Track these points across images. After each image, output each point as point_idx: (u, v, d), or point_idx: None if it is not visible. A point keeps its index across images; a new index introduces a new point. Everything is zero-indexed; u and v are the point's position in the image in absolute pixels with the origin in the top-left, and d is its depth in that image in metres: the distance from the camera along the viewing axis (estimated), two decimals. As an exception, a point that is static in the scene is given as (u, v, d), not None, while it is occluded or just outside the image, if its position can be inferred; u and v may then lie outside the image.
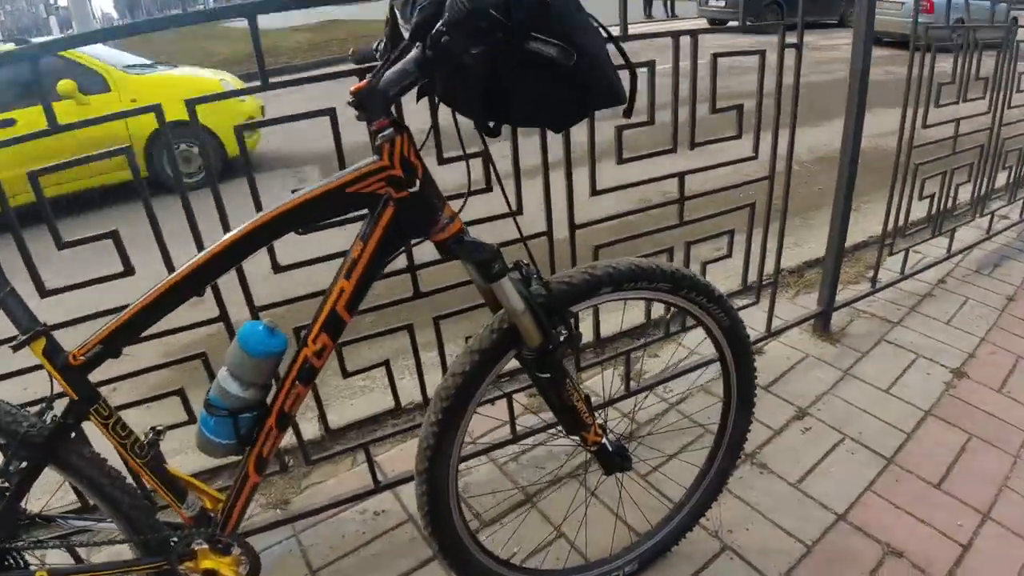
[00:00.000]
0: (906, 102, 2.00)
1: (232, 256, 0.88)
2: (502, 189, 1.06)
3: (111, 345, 0.90)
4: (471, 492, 1.59)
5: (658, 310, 1.82)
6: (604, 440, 1.09)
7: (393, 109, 0.87)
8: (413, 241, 0.99)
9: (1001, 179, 2.64)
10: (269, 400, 0.95)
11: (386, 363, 1.44)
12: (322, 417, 1.44)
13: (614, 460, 1.12)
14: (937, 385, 1.87)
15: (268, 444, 0.97)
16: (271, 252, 1.22)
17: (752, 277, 1.92)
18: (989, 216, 2.61)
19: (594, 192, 1.45)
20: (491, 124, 0.89)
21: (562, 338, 0.97)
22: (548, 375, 0.98)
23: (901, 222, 2.20)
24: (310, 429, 1.73)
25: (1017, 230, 2.79)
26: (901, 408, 1.78)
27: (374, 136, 0.83)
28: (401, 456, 1.73)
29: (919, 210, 2.27)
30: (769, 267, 1.92)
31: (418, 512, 1.04)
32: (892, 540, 1.38)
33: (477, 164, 1.13)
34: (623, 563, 1.29)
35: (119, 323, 0.88)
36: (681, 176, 1.57)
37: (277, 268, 1.22)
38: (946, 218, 2.38)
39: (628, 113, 0.89)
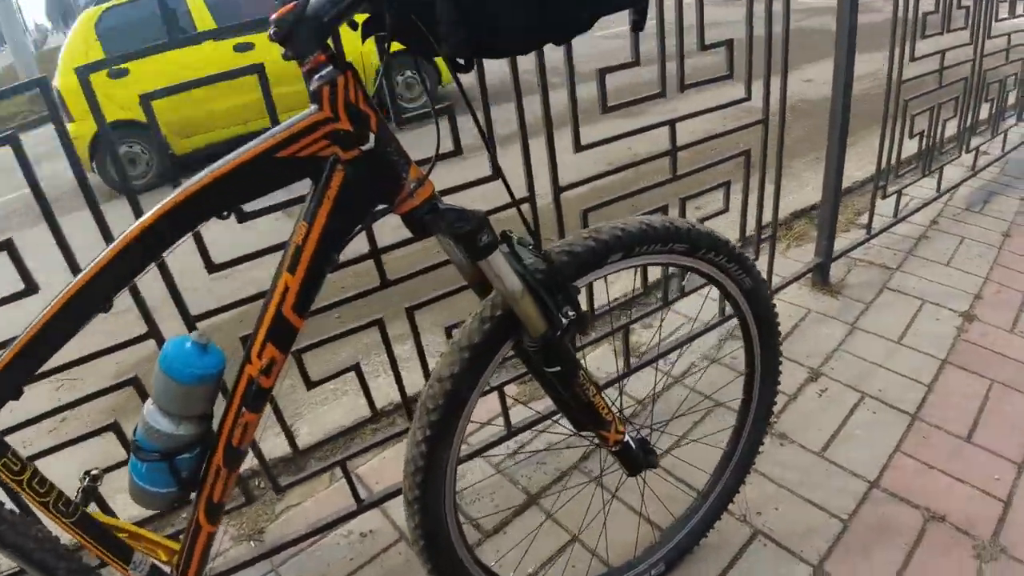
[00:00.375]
0: (894, 34, 1.86)
1: (141, 254, 0.68)
2: (483, 137, 0.86)
3: (6, 384, 0.70)
4: (466, 499, 1.42)
5: (651, 273, 1.66)
6: (627, 437, 0.91)
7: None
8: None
9: (983, 115, 2.55)
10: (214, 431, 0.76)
11: (356, 367, 1.24)
12: (289, 437, 1.24)
13: (638, 457, 0.94)
14: (948, 330, 1.77)
15: (219, 487, 0.78)
16: (202, 247, 1.00)
17: (748, 231, 1.77)
18: (974, 152, 2.52)
19: (578, 148, 1.27)
20: (461, 61, 0.70)
21: (568, 321, 0.80)
22: (557, 368, 0.80)
23: (893, 162, 2.08)
24: (279, 445, 1.52)
25: (1000, 164, 2.72)
26: (916, 359, 1.68)
27: (309, 78, 0.63)
28: (384, 465, 1.54)
29: (905, 151, 2.15)
30: (765, 218, 1.78)
31: (413, 546, 0.86)
32: (931, 504, 1.27)
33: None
34: (648, 565, 1.14)
35: (11, 356, 0.69)
36: (672, 124, 1.39)
37: (212, 267, 1.01)
38: (934, 156, 2.28)
39: (640, 24, 0.70)
